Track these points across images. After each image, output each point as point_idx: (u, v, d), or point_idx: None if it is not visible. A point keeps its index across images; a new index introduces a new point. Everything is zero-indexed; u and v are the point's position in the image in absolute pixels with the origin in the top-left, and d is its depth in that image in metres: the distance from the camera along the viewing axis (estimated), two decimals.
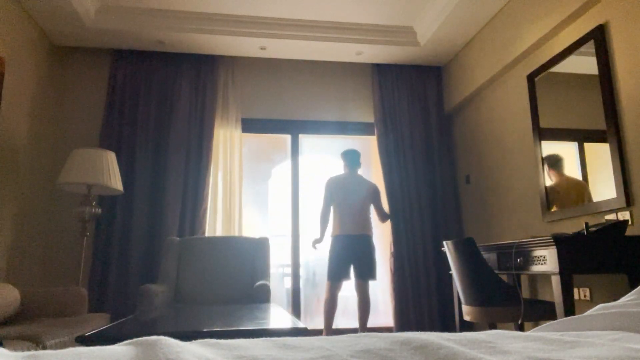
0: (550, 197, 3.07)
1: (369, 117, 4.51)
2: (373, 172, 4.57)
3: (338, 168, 4.50)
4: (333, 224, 3.77)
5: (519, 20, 3.34)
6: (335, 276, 3.64)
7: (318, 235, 3.84)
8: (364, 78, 4.60)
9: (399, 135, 4.39)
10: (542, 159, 3.16)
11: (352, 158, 3.92)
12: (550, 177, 3.06)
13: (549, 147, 3.11)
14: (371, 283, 3.79)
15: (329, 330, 3.66)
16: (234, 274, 3.46)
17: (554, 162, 3.02)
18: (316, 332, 4.02)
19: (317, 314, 4.23)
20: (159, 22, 3.83)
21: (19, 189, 3.45)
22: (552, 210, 3.04)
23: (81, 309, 2.83)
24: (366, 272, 3.63)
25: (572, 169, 2.89)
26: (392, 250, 4.14)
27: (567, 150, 2.94)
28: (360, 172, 3.98)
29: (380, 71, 4.50)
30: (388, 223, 4.18)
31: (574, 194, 2.83)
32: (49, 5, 3.41)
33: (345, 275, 3.66)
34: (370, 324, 4.00)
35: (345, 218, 3.69)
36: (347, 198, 3.74)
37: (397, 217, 4.20)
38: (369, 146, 4.60)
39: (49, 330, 2.18)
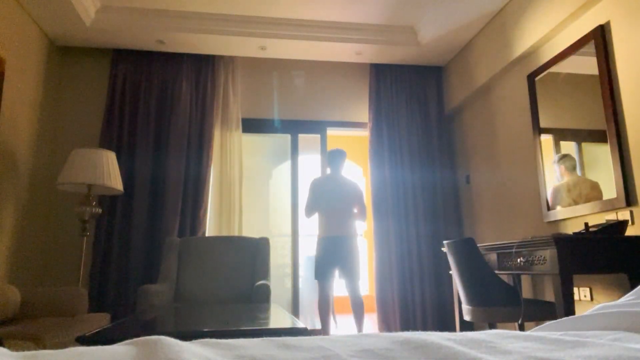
0: (558, 196, 3.03)
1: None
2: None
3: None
4: (318, 225, 3.77)
5: (519, 21, 3.34)
6: (322, 275, 3.66)
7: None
8: (364, 78, 4.60)
9: (398, 135, 4.39)
10: (542, 158, 3.15)
11: (335, 159, 3.91)
12: (562, 176, 3.03)
13: (549, 147, 3.11)
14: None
15: (327, 330, 3.67)
16: (234, 274, 3.46)
17: (568, 162, 2.98)
18: (317, 332, 4.01)
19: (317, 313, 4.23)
20: (159, 22, 3.83)
21: (19, 188, 3.45)
22: (553, 209, 3.03)
23: (81, 309, 2.83)
24: (351, 273, 3.64)
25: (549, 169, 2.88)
26: (376, 251, 4.18)
27: (567, 150, 2.94)
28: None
29: (380, 71, 4.50)
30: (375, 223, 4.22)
31: (585, 192, 2.82)
32: (49, 5, 3.41)
33: (331, 276, 3.68)
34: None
35: (330, 220, 3.70)
36: (331, 200, 3.74)
37: (396, 217, 4.20)
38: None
39: (49, 330, 2.18)
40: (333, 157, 3.91)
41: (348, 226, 3.71)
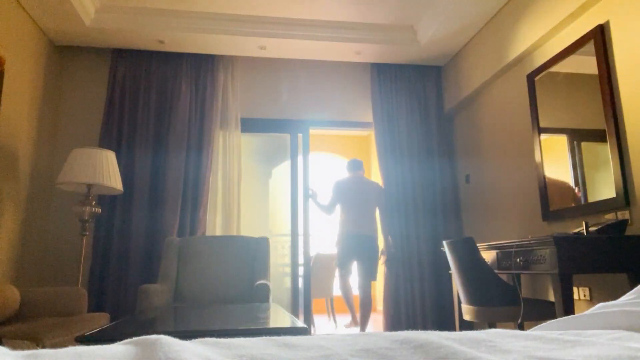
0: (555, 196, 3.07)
1: (369, 117, 4.51)
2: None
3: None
4: (341, 223, 3.86)
5: (518, 20, 3.34)
6: (343, 265, 3.89)
7: (320, 203, 4.05)
8: (364, 77, 4.59)
9: (398, 134, 4.39)
10: (542, 158, 3.16)
11: (353, 165, 4.12)
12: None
13: (562, 147, 3.11)
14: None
15: (354, 313, 3.95)
16: (234, 273, 3.46)
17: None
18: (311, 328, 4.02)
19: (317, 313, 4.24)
20: (159, 21, 3.83)
21: (18, 188, 3.45)
22: (552, 209, 3.03)
23: (81, 308, 2.83)
24: (368, 272, 3.72)
25: (571, 169, 2.89)
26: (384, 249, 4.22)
27: (567, 150, 2.94)
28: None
29: (380, 71, 4.50)
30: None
31: (559, 195, 2.86)
32: (49, 5, 3.41)
33: (352, 265, 3.91)
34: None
35: (352, 218, 3.80)
36: (354, 199, 3.84)
37: (395, 216, 4.21)
38: (371, 145, 4.59)
39: (49, 330, 2.18)
40: (352, 163, 4.12)
41: (370, 225, 3.82)
